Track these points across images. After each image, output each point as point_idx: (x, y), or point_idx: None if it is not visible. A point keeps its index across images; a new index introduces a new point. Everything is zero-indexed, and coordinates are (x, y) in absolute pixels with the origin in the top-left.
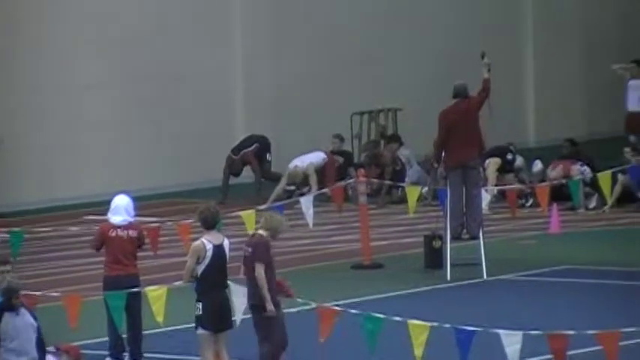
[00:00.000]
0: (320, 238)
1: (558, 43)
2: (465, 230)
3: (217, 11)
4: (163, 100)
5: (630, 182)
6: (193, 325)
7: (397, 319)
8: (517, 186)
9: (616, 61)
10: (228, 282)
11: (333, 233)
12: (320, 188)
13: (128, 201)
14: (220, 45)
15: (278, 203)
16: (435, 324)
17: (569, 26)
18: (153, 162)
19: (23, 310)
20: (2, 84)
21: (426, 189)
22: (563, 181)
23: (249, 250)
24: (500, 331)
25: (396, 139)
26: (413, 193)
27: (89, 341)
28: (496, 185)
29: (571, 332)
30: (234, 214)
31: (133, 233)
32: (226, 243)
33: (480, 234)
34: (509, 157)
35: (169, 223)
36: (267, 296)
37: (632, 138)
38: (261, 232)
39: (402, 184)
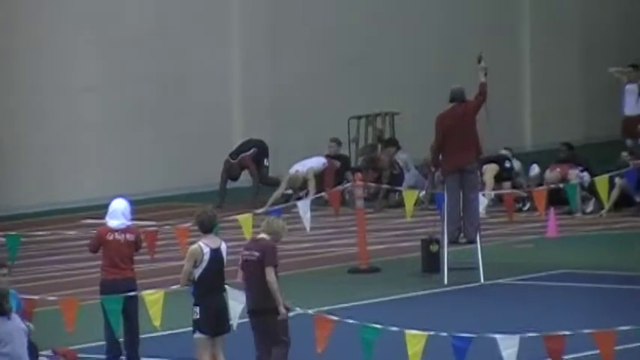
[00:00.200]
0: (317, 242)
1: (556, 44)
2: (462, 234)
3: (216, 14)
4: (162, 102)
5: (627, 186)
6: (190, 329)
7: (394, 329)
8: (514, 190)
9: (615, 64)
10: (226, 286)
11: (330, 237)
12: (317, 193)
13: (126, 205)
14: (219, 47)
15: (275, 207)
16: (432, 333)
17: (568, 27)
18: (151, 164)
19: (14, 315)
20: (2, 84)
21: (423, 193)
22: (561, 185)
23: (257, 254)
24: (497, 336)
25: (393, 143)
26: (410, 197)
27: (86, 345)
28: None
29: (567, 333)
30: (231, 217)
31: (130, 237)
32: (224, 247)
33: (478, 238)
34: (507, 164)
35: (167, 226)
36: (282, 300)
37: (628, 142)
38: (263, 235)
39: (399, 188)
